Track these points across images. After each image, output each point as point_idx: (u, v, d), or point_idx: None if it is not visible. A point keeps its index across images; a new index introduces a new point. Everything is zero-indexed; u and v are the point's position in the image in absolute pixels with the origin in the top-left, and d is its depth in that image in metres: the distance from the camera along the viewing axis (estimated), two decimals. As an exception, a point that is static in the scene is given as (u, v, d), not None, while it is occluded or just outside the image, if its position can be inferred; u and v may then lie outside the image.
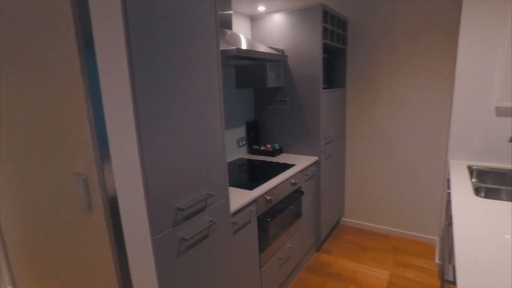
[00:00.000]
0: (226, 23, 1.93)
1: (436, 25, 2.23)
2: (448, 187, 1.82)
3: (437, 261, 2.33)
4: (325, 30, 2.18)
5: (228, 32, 1.85)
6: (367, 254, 2.48)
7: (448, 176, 1.98)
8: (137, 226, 0.94)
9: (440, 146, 2.41)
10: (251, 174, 1.96)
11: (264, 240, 1.75)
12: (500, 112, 1.84)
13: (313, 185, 2.32)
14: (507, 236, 1.05)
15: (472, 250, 0.99)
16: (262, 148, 2.45)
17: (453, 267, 1.05)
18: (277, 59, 2.05)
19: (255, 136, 2.55)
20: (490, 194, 1.73)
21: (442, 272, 2.19)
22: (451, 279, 1.07)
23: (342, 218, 3.02)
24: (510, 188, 1.76)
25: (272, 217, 1.73)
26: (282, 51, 2.28)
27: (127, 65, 0.87)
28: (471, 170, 1.86)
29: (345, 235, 2.80)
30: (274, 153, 2.39)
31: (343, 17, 2.45)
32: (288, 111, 2.39)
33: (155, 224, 1.01)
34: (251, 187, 1.70)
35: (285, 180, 1.89)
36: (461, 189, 1.52)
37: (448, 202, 1.82)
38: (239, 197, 1.56)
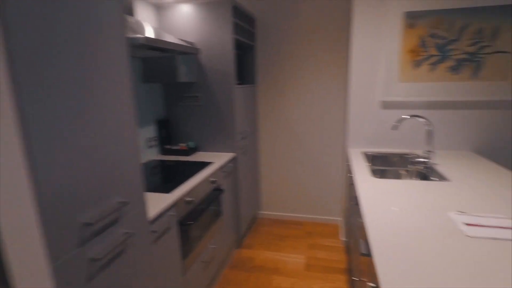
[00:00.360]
0: (128, 9, 1.71)
1: (333, 25, 2.49)
2: (350, 171, 2.07)
3: (342, 238, 2.63)
4: (235, 25, 2.18)
5: (132, 19, 1.65)
6: (285, 242, 2.62)
7: (348, 162, 2.25)
8: (29, 254, 0.73)
9: (339, 136, 2.72)
10: (166, 176, 1.81)
11: (187, 244, 1.64)
12: (384, 105, 2.19)
13: (231, 181, 2.30)
14: (393, 208, 1.25)
15: (378, 224, 1.13)
16: (175, 147, 2.30)
17: (366, 241, 1.19)
18: (189, 52, 1.94)
19: (167, 135, 2.37)
20: (382, 174, 2.04)
21: (347, 248, 2.49)
22: (365, 252, 1.20)
23: (259, 212, 3.11)
24: (393, 168, 2.11)
25: (194, 219, 1.64)
26: (193, 44, 2.17)
27: (4, 52, 0.65)
28: (366, 155, 2.16)
29: (263, 227, 2.89)
30: (188, 152, 2.27)
31: (251, 14, 2.50)
32: (202, 108, 2.30)
33: (54, 247, 0.80)
34: (168, 190, 1.56)
35: (204, 179, 1.82)
36: (361, 172, 1.73)
37: (351, 185, 2.06)
38: (156, 202, 1.41)
